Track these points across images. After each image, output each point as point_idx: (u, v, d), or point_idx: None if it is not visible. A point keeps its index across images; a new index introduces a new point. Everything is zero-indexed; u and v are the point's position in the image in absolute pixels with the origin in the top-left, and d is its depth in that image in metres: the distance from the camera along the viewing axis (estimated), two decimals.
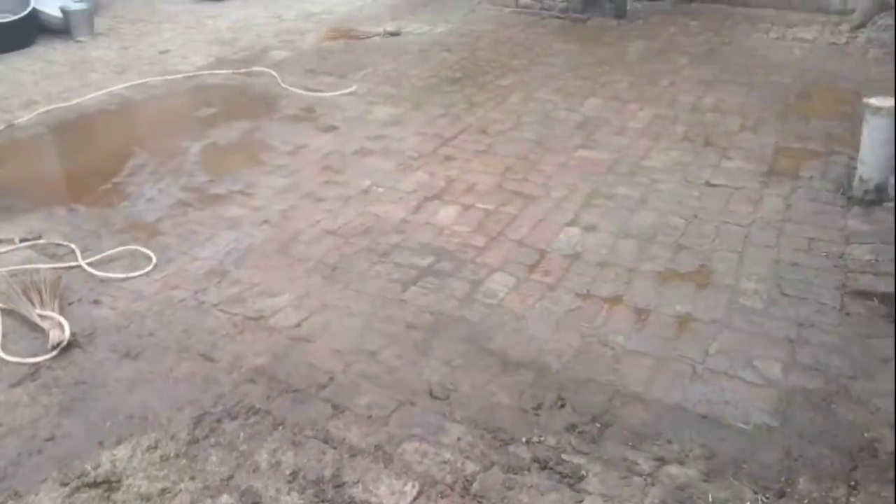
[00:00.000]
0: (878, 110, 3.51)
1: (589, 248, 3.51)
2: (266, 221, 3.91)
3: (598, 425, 2.47)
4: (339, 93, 5.63)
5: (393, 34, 6.87)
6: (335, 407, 2.57)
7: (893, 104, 3.48)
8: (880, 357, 2.74)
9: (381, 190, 4.20)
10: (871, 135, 3.56)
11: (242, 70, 6.18)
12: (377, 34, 6.88)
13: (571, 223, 3.73)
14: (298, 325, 3.05)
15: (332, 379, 2.71)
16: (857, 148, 4.25)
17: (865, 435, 2.40)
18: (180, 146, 4.90)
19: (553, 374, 2.74)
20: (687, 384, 2.66)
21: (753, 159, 4.25)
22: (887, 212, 3.60)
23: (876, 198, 3.66)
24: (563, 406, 2.55)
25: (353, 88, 5.68)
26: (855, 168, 4.03)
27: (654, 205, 3.85)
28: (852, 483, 2.22)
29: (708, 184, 4.02)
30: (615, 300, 3.13)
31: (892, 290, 3.05)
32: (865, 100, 3.58)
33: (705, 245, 3.48)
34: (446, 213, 3.90)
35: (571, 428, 2.45)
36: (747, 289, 3.15)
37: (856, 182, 3.72)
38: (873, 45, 5.98)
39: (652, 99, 5.17)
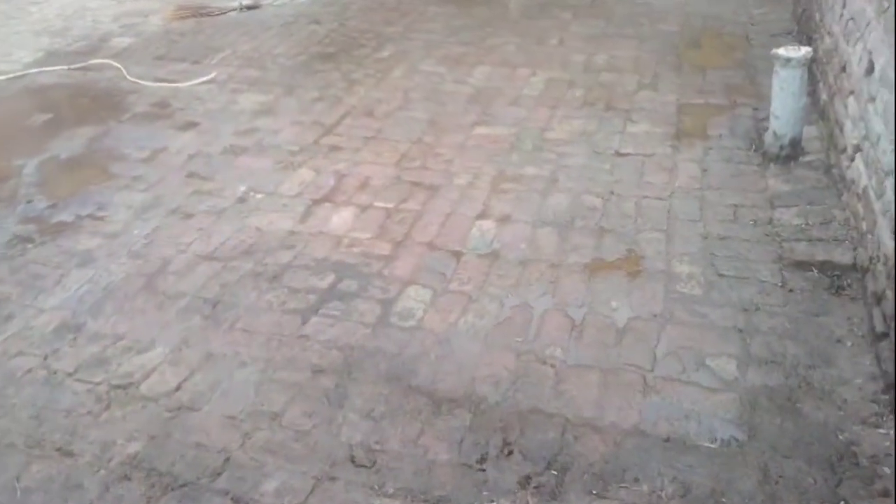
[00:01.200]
0: (787, 62, 3.27)
1: (506, 244, 3.12)
2: (126, 251, 3.27)
3: (555, 473, 2.10)
4: (196, 81, 4.91)
5: (250, 7, 6.12)
6: (235, 501, 2.06)
7: (803, 54, 3.26)
8: (833, 338, 2.52)
9: (259, 196, 3.62)
10: (783, 87, 3.33)
11: (79, 64, 5.29)
12: (232, 9, 6.11)
13: (482, 215, 3.32)
14: (178, 388, 2.49)
15: (227, 460, 2.19)
16: (758, 98, 4.10)
17: (840, 437, 2.16)
18: (12, 165, 4.08)
19: (492, 408, 2.34)
20: (641, 400, 2.34)
21: (658, 121, 3.98)
22: (805, 167, 3.41)
23: (791, 153, 3.46)
24: (510, 453, 2.17)
25: (212, 75, 4.97)
26: (762, 120, 3.85)
27: (567, 184, 3.50)
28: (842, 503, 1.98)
29: (618, 153, 3.71)
30: (545, 304, 2.77)
31: (831, 259, 2.84)
32: (774, 51, 3.34)
33: (628, 226, 3.16)
34: (341, 218, 3.39)
35: (525, 482, 2.07)
36: (682, 273, 2.86)
37: (769, 138, 3.51)
38: None
39: (543, 61, 4.79)
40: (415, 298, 2.85)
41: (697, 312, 2.67)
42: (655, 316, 2.67)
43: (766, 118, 3.83)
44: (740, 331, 2.58)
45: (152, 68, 5.18)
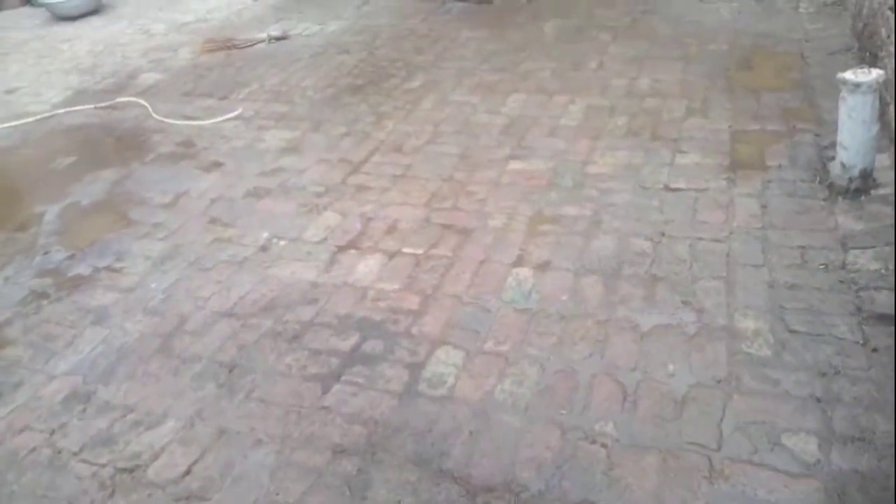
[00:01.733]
0: (856, 87, 2.93)
1: (546, 296, 2.83)
2: (142, 308, 3.08)
3: None
4: (221, 118, 4.74)
5: (279, 39, 5.97)
6: None
7: (874, 78, 2.91)
8: None
9: (282, 243, 3.40)
10: (851, 115, 2.99)
11: (106, 103, 5.19)
12: (261, 41, 5.97)
13: (519, 262, 3.04)
14: (188, 472, 2.25)
15: None
16: (819, 123, 3.74)
17: None
18: (33, 213, 3.95)
19: (535, 499, 2.05)
20: (707, 489, 2.02)
21: (710, 150, 3.65)
22: (878, 202, 3.05)
23: (862, 186, 3.10)
24: None
25: (238, 111, 4.80)
26: (825, 148, 3.49)
27: (612, 224, 3.19)
28: None
29: (667, 188, 3.39)
30: (592, 368, 2.47)
31: None
32: (840, 75, 3.00)
33: (683, 273, 2.85)
34: (367, 267, 3.14)
35: None
36: (747, 330, 2.53)
37: (836, 169, 3.15)
38: None
39: (581, 87, 4.50)
40: (445, 361, 2.57)
41: (768, 378, 2.34)
42: (719, 382, 2.35)
43: (830, 146, 3.48)
44: (819, 400, 2.24)
45: (179, 105, 5.04)
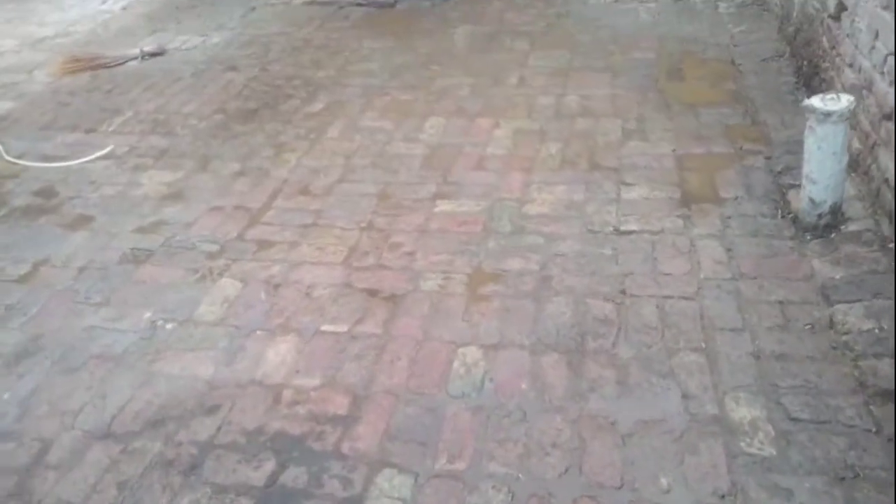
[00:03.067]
0: (826, 117, 2.56)
1: (502, 385, 2.32)
2: None
3: None
4: (89, 158, 3.94)
5: (154, 55, 5.15)
6: None
7: (845, 107, 2.56)
8: None
9: (169, 327, 2.73)
10: (821, 146, 2.63)
11: None
12: (133, 57, 5.13)
13: (464, 339, 2.51)
14: None
15: None
16: (766, 142, 3.43)
17: None
18: None
19: None
20: None
21: (658, 181, 3.24)
22: (852, 241, 2.72)
23: (832, 221, 2.76)
24: None
25: (109, 148, 4.01)
26: (780, 174, 3.16)
27: (563, 281, 2.72)
28: None
29: (618, 231, 2.95)
30: (571, 488, 1.98)
31: None
32: (807, 102, 2.63)
33: (655, 344, 2.41)
34: (278, 355, 2.53)
35: None
36: (743, 421, 2.11)
37: (805, 205, 2.79)
38: None
39: (504, 107, 4.01)
40: (390, 494, 2.02)
41: (778, 488, 1.92)
42: (723, 498, 1.92)
43: (785, 170, 3.16)
44: None
45: (36, 141, 4.19)
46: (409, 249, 2.99)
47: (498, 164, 3.50)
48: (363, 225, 3.18)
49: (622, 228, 2.96)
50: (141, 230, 3.30)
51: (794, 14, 3.99)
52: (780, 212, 2.94)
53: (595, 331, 2.48)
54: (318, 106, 4.24)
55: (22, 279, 3.07)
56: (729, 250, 2.78)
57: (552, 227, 3.01)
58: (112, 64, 5.08)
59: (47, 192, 3.69)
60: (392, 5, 5.62)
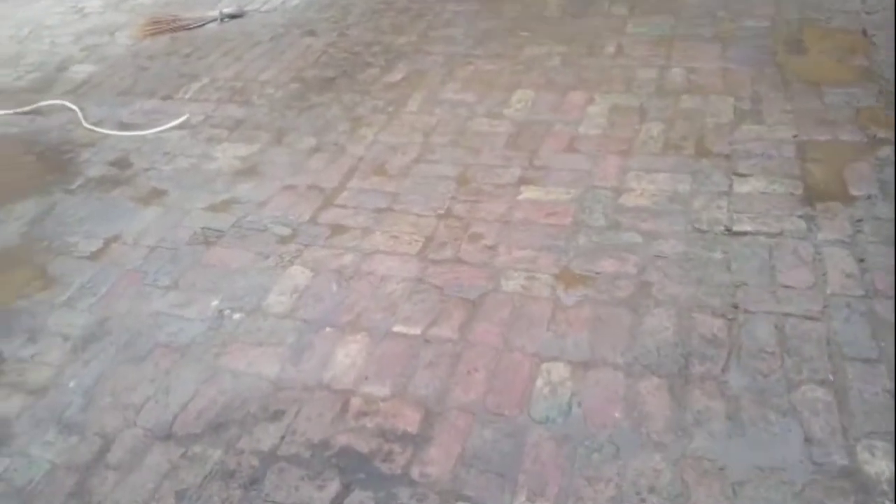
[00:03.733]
0: None
1: (592, 411, 2.05)
2: (55, 422, 2.27)
3: None
4: (165, 126, 3.83)
5: (233, 17, 4.99)
6: None
7: None
8: None
9: (237, 317, 2.57)
10: None
11: (28, 108, 4.23)
12: (212, 20, 4.98)
13: (549, 351, 2.25)
14: None
15: None
16: None
17: None
18: None
19: None
20: None
21: (776, 172, 2.83)
22: None
23: None
24: None
25: (184, 117, 3.89)
26: None
27: (665, 288, 2.40)
28: None
29: (730, 231, 2.59)
30: None
31: None
32: None
33: (773, 373, 2.07)
34: (347, 356, 2.34)
35: None
36: (879, 477, 1.77)
37: None
38: None
39: (600, 80, 3.63)
40: None
41: None
42: None
43: None
44: None
45: (115, 108, 4.11)
46: (491, 242, 2.72)
47: (591, 145, 3.16)
48: (441, 212, 2.92)
49: (734, 228, 2.59)
50: (213, 208, 3.15)
51: None
52: None
53: (702, 352, 2.16)
54: (397, 76, 3.97)
55: (94, 256, 2.99)
56: (861, 261, 2.38)
57: (652, 224, 2.68)
58: (192, 26, 4.95)
59: (122, 163, 3.60)
60: None
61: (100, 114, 4.07)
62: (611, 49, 3.89)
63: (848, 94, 3.22)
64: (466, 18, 4.50)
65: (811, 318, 2.21)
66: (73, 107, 4.14)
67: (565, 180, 2.98)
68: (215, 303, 2.66)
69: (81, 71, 4.61)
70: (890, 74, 3.28)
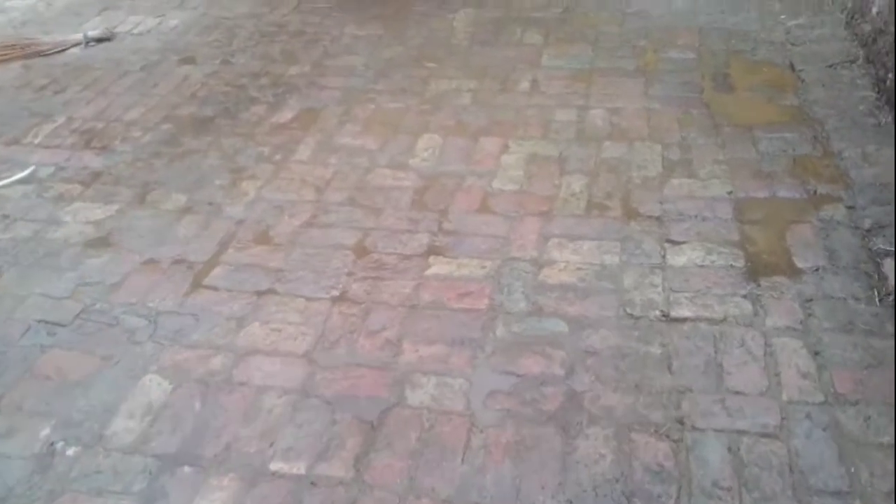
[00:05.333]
0: None
1: None
2: None
3: None
4: (4, 182, 3.16)
5: (100, 40, 4.30)
6: None
7: None
8: None
9: (72, 452, 2.00)
10: None
11: None
12: (76, 43, 4.28)
13: (465, 498, 1.81)
14: None
15: None
16: (844, 182, 2.68)
17: None
18: None
19: None
20: None
21: (713, 239, 2.49)
22: None
23: None
24: None
25: (30, 169, 3.22)
26: (868, 232, 2.41)
27: (601, 400, 1.98)
28: None
29: (665, 317, 2.21)
30: None
31: None
32: None
33: None
34: None
35: None
36: None
37: None
38: None
39: (515, 122, 3.21)
40: None
41: None
42: None
43: (874, 228, 2.42)
44: None
45: None
46: (394, 335, 2.26)
47: (507, 204, 2.74)
48: (335, 293, 2.43)
49: (672, 314, 2.22)
50: (54, 293, 2.55)
51: (875, 9, 3.18)
52: (876, 292, 2.20)
53: (647, 490, 1.76)
54: (287, 114, 3.43)
55: None
56: (817, 354, 2.05)
57: (579, 306, 2.28)
58: (50, 52, 4.24)
59: None
60: None
61: None
62: (525, 85, 3.48)
63: (782, 139, 2.91)
64: (368, 44, 4.00)
65: (768, 436, 1.85)
66: None
67: (479, 249, 2.55)
68: (46, 431, 2.08)
69: None
70: (821, 115, 3.01)
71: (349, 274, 2.51)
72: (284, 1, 4.59)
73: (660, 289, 2.31)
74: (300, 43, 4.08)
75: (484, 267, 2.47)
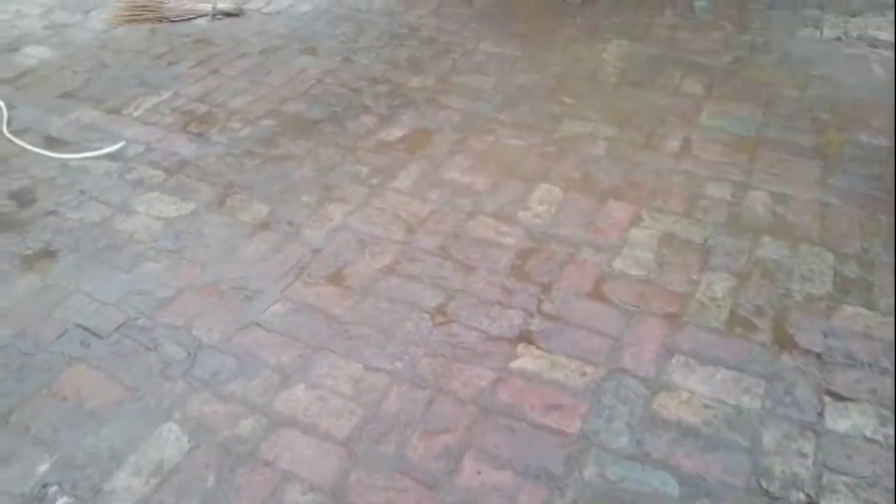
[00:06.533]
0: None
1: None
2: None
3: None
4: (92, 154, 2.97)
5: (228, 15, 4.10)
6: None
7: None
8: None
9: (62, 502, 1.73)
10: None
11: None
12: (203, 14, 4.10)
13: None
14: None
15: None
16: None
17: None
18: None
19: None
20: None
21: (888, 402, 1.90)
22: None
23: None
24: None
25: (120, 145, 3.02)
26: None
27: None
28: None
29: None
30: None
31: None
32: None
33: None
34: None
35: None
36: None
37: None
38: None
39: (654, 188, 2.68)
40: None
41: None
42: None
43: None
44: None
45: (49, 113, 3.26)
46: (455, 442, 1.82)
47: (627, 293, 2.23)
48: (399, 365, 2.03)
49: (822, 503, 1.66)
50: (101, 295, 2.29)
51: None
52: None
53: None
54: (396, 132, 3.06)
55: None
56: None
57: (699, 462, 1.75)
58: (177, 19, 4.09)
59: (25, 196, 2.75)
60: None
61: (29, 118, 3.23)
62: (674, 143, 2.93)
63: None
64: (501, 65, 3.56)
65: None
66: (1, 104, 3.31)
67: (582, 348, 2.06)
68: (44, 467, 1.79)
69: (34, 55, 3.77)
70: None
71: (421, 344, 2.09)
72: (424, 1, 4.22)
73: (810, 462, 1.74)
74: (429, 51, 3.69)
75: (584, 374, 1.98)
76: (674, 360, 2.01)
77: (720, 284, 2.26)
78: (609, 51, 3.65)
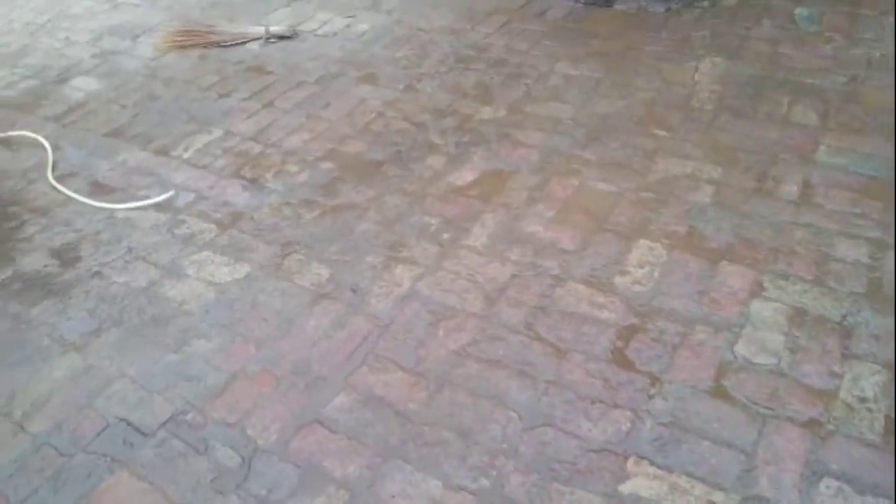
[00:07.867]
0: None
1: None
2: None
3: None
4: (140, 204, 2.73)
5: (282, 37, 3.83)
6: None
7: None
8: None
9: None
10: None
11: None
12: (255, 38, 3.83)
13: None
14: None
15: None
16: None
17: None
18: None
19: None
20: None
21: None
22: None
23: None
24: None
25: (169, 194, 2.77)
26: None
27: None
28: None
29: None
30: None
31: None
32: None
33: None
34: None
35: None
36: None
37: None
38: None
39: (773, 247, 2.27)
40: None
41: None
42: None
43: None
44: None
45: (95, 155, 3.04)
46: None
47: (756, 389, 1.85)
48: (485, 484, 1.70)
49: None
50: (147, 381, 2.03)
51: None
52: None
53: None
54: (467, 175, 2.72)
55: None
56: None
57: None
58: (228, 43, 3.83)
59: (68, 254, 2.53)
60: (608, 4, 3.87)
61: (75, 160, 3.01)
62: (791, 188, 2.51)
63: None
64: (581, 90, 3.17)
65: None
66: (47, 145, 3.10)
67: (708, 466, 1.69)
68: None
69: (82, 87, 3.56)
70: None
71: (510, 455, 1.76)
72: (491, 16, 3.85)
73: None
74: (499, 76, 3.33)
75: (712, 503, 1.62)
76: (822, 486, 1.63)
77: (869, 379, 1.85)
78: (702, 71, 3.22)
